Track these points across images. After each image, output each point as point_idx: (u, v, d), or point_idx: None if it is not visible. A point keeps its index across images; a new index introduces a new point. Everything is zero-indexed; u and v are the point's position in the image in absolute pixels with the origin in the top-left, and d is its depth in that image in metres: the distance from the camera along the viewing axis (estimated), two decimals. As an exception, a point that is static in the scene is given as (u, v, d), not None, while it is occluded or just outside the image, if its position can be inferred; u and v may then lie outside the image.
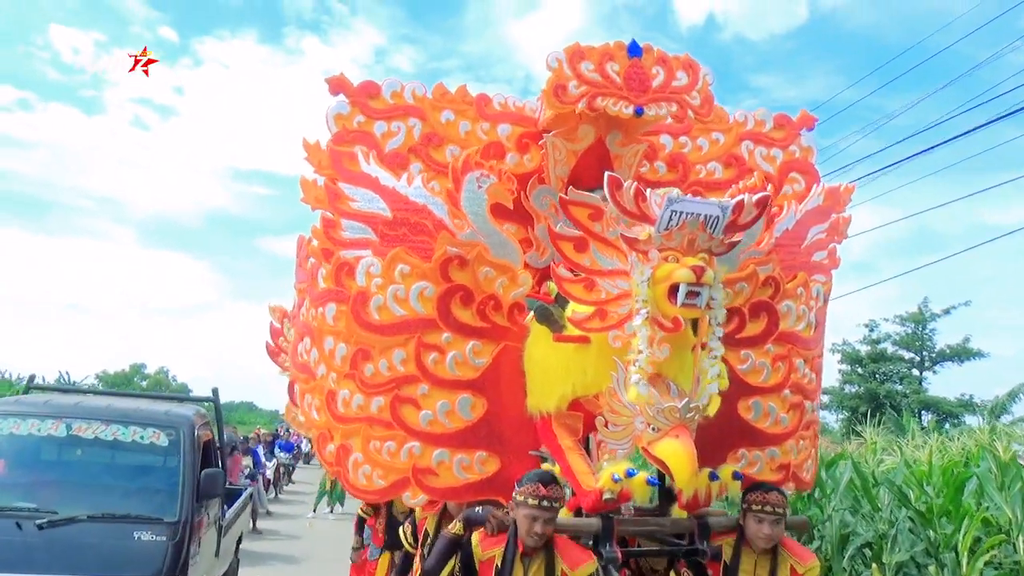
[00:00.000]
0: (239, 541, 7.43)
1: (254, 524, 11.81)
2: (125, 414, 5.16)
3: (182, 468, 4.90)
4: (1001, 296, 51.94)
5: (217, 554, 5.68)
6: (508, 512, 3.01)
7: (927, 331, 27.91)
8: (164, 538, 4.45)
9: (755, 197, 2.83)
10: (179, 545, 4.48)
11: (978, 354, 26.79)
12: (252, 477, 12.57)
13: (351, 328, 3.25)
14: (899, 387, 27.55)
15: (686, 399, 2.79)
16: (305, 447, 24.96)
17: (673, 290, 2.70)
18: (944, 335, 27.83)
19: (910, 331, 28.15)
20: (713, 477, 2.95)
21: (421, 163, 3.69)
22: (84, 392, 6.13)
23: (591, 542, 3.05)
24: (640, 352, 2.79)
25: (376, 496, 3.44)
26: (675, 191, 2.81)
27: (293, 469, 20.76)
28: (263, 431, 22.18)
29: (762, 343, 3.52)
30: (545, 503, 2.83)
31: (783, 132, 4.31)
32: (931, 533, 4.61)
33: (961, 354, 27.01)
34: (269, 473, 16.00)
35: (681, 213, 2.70)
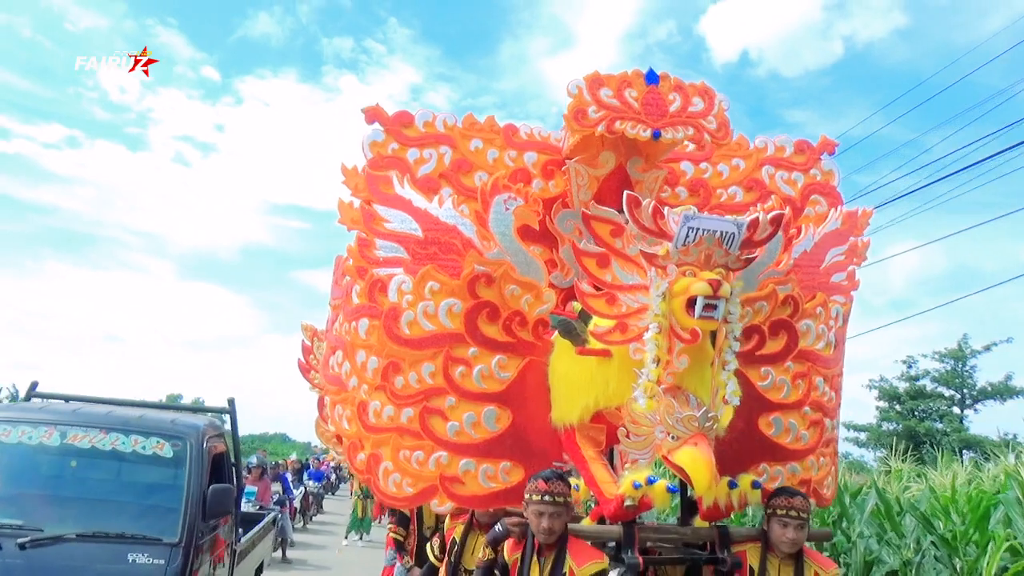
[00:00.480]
0: (260, 570, 6.99)
1: (284, 553, 11.83)
2: (126, 422, 4.72)
3: (187, 483, 4.44)
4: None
5: (229, 582, 5.24)
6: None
7: (967, 368, 27.23)
8: (162, 561, 3.99)
9: (770, 215, 2.93)
10: (180, 570, 4.03)
11: (1021, 392, 26.04)
12: (281, 503, 12.67)
13: (383, 342, 3.41)
14: (939, 425, 26.79)
15: (704, 408, 2.88)
16: (333, 477, 25.05)
17: (691, 303, 2.81)
18: (985, 372, 27.14)
19: (950, 368, 27.46)
20: (732, 485, 3.02)
21: (451, 188, 3.86)
22: (87, 400, 5.53)
23: (614, 549, 3.13)
24: (649, 366, 2.88)
25: (405, 503, 3.56)
26: (692, 208, 2.94)
27: (323, 498, 20.82)
28: (293, 459, 22.30)
29: (782, 360, 3.61)
30: (547, 498, 2.95)
31: (804, 157, 4.40)
32: (956, 561, 4.56)
33: (1003, 392, 26.27)
34: (296, 502, 16.07)
35: (698, 229, 2.83)
